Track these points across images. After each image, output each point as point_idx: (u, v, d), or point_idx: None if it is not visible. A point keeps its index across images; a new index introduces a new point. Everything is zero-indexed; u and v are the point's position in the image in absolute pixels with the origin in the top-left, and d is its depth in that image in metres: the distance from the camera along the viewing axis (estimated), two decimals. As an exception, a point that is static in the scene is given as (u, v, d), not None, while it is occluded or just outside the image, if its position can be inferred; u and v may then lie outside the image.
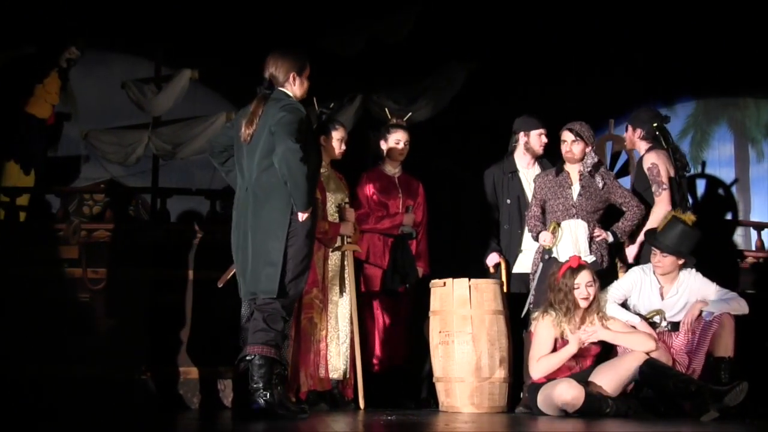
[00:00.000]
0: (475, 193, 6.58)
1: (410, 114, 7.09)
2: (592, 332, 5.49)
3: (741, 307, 5.67)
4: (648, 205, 6.12)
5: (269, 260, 4.97)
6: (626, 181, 6.72)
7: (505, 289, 6.19)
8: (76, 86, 9.51)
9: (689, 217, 5.84)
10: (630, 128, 6.37)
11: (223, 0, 8.50)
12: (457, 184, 8.33)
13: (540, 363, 5.48)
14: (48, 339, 6.49)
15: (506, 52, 8.62)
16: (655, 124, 6.27)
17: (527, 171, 6.48)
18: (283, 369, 5.65)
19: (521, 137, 6.48)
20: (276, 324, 4.97)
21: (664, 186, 6.08)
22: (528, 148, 6.47)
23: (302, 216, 5.01)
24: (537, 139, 6.44)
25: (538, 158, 6.52)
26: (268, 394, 4.95)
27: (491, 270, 6.40)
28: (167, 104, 8.33)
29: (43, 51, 8.18)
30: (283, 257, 4.96)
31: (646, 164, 6.17)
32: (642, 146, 6.32)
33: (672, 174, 6.15)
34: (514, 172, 6.48)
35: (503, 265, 6.34)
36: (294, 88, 5.18)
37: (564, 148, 6.06)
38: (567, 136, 6.05)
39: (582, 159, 6.04)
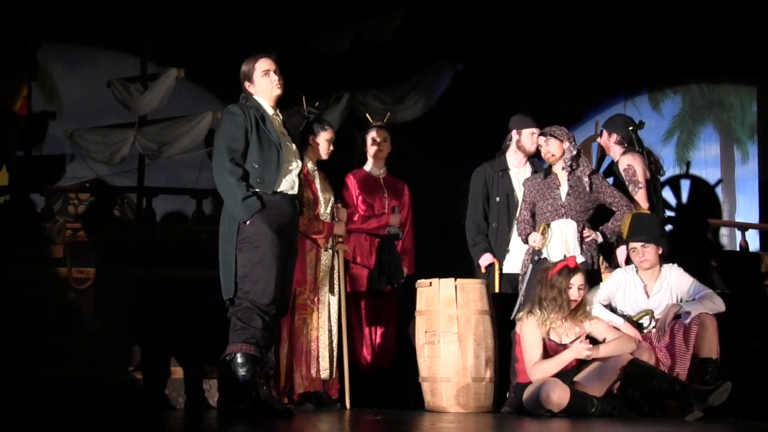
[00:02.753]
0: (462, 192, 6.58)
1: (388, 115, 7.09)
2: (593, 351, 5.44)
3: (716, 305, 5.71)
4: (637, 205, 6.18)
5: (225, 263, 5.03)
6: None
7: (497, 289, 6.20)
8: (61, 85, 9.48)
9: (646, 210, 6.01)
10: (605, 133, 6.46)
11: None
12: (444, 184, 8.34)
13: (537, 369, 5.47)
14: (32, 339, 6.46)
15: (492, 51, 8.63)
16: (630, 128, 6.36)
17: (518, 170, 6.48)
18: (269, 368, 5.65)
19: (513, 135, 6.49)
20: (253, 321, 4.93)
21: (640, 185, 6.18)
22: (520, 146, 6.47)
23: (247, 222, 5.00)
24: (529, 137, 6.41)
25: (530, 158, 6.51)
26: (253, 393, 4.93)
27: (482, 270, 6.39)
28: (153, 103, 8.29)
29: (10, 43, 8.11)
30: (234, 259, 4.97)
31: (622, 165, 6.27)
32: (617, 150, 6.42)
33: (647, 176, 6.26)
34: (505, 170, 6.48)
35: (496, 266, 6.34)
36: (256, 91, 5.22)
37: (542, 152, 6.11)
38: (539, 140, 6.14)
39: (563, 156, 6.07)
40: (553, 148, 6.06)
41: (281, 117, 5.32)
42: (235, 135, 5.01)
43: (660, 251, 5.88)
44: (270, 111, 5.21)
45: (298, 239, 5.96)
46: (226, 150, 4.98)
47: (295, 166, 5.17)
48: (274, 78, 5.22)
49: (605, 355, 5.42)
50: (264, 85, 5.21)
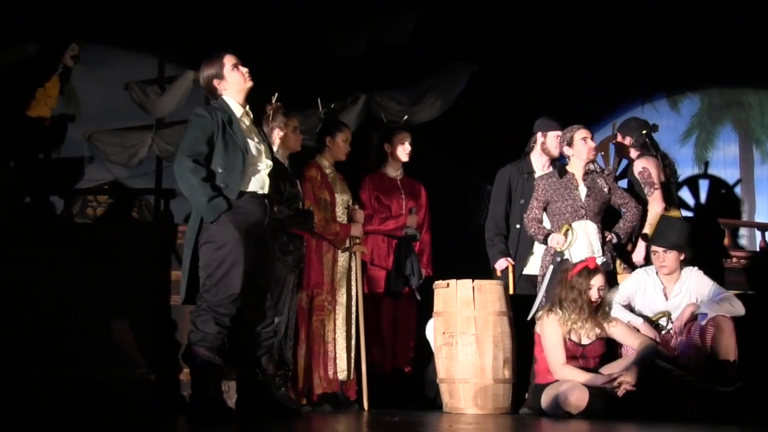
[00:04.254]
0: (478, 193, 6.57)
1: (406, 117, 7.09)
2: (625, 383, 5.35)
3: (735, 308, 5.67)
4: (644, 205, 6.18)
5: (184, 267, 4.95)
6: (626, 184, 6.72)
7: (510, 291, 6.17)
8: (80, 88, 9.53)
9: (676, 214, 6.00)
10: (620, 136, 6.48)
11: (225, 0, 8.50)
12: (460, 184, 8.32)
13: (563, 373, 5.45)
14: (51, 340, 6.49)
15: (508, 52, 8.61)
16: (644, 132, 6.39)
17: (542, 173, 6.44)
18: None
19: (539, 138, 6.46)
20: (205, 326, 4.86)
21: (656, 186, 6.19)
22: (544, 149, 6.43)
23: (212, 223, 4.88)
24: (554, 140, 6.36)
25: (552, 161, 6.48)
26: (199, 394, 4.92)
27: (497, 274, 6.36)
28: (170, 106, 8.32)
29: (45, 50, 8.14)
30: (190, 264, 4.89)
31: (637, 169, 6.31)
32: (632, 153, 6.46)
33: (662, 179, 6.28)
34: (531, 172, 6.45)
35: (510, 269, 6.31)
36: (228, 87, 5.05)
37: (588, 145, 6.03)
38: (587, 133, 6.08)
39: (595, 157, 6.13)
40: (594, 146, 6.08)
41: (251, 115, 5.16)
42: (199, 137, 4.90)
43: (682, 257, 5.85)
44: (239, 110, 5.05)
45: (316, 241, 5.99)
46: (188, 150, 4.88)
47: (264, 166, 5.02)
48: (244, 70, 5.06)
49: (637, 368, 5.37)
50: (235, 78, 5.04)
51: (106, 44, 9.43)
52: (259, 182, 4.99)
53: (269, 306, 5.14)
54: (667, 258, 5.80)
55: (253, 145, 5.00)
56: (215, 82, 5.03)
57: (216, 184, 4.85)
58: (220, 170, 4.89)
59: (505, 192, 6.45)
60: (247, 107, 5.10)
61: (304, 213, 5.61)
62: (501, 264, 6.34)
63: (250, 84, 5.06)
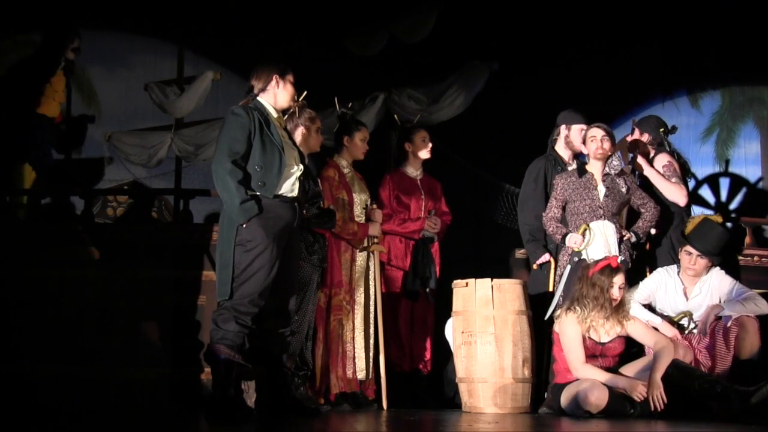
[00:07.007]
0: (496, 192, 6.53)
1: (419, 116, 7.08)
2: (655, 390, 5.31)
3: (760, 307, 5.64)
4: (662, 205, 6.15)
5: (222, 264, 4.97)
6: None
7: (550, 288, 6.10)
8: (99, 89, 9.57)
9: (718, 218, 5.92)
10: (637, 131, 6.46)
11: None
12: (477, 183, 8.30)
13: (585, 371, 5.43)
14: (69, 340, 6.52)
15: (527, 50, 8.58)
16: (661, 130, 6.36)
17: (568, 167, 6.38)
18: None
19: (562, 131, 6.39)
20: (226, 324, 4.91)
21: (678, 174, 6.21)
22: (568, 143, 6.37)
23: (244, 225, 4.92)
24: (578, 134, 6.29)
25: (575, 155, 6.41)
26: (218, 393, 4.94)
27: (534, 267, 6.26)
28: (190, 106, 8.33)
29: (46, 45, 8.17)
30: (232, 261, 4.92)
31: (661, 163, 6.26)
32: (648, 150, 6.41)
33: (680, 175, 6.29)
34: (566, 164, 6.36)
35: (552, 264, 6.19)
36: (277, 93, 5.17)
37: (593, 145, 5.99)
38: (597, 132, 6.00)
39: (609, 158, 6.02)
40: (607, 145, 6.00)
41: (284, 121, 5.31)
42: (238, 137, 4.97)
43: (710, 264, 5.83)
44: (274, 114, 5.16)
45: (334, 241, 5.99)
46: (227, 151, 4.95)
47: (296, 169, 5.10)
48: (294, 95, 5.24)
49: (660, 376, 5.33)
50: (288, 91, 5.19)
51: (126, 46, 9.47)
52: (290, 185, 5.08)
53: (291, 308, 5.18)
54: (699, 262, 5.79)
55: (287, 147, 5.09)
56: (275, 78, 5.15)
57: (251, 186, 4.95)
58: (257, 169, 4.98)
59: (539, 184, 6.31)
60: (281, 114, 5.24)
61: (327, 212, 5.62)
62: (544, 257, 6.25)
63: (291, 104, 5.25)
